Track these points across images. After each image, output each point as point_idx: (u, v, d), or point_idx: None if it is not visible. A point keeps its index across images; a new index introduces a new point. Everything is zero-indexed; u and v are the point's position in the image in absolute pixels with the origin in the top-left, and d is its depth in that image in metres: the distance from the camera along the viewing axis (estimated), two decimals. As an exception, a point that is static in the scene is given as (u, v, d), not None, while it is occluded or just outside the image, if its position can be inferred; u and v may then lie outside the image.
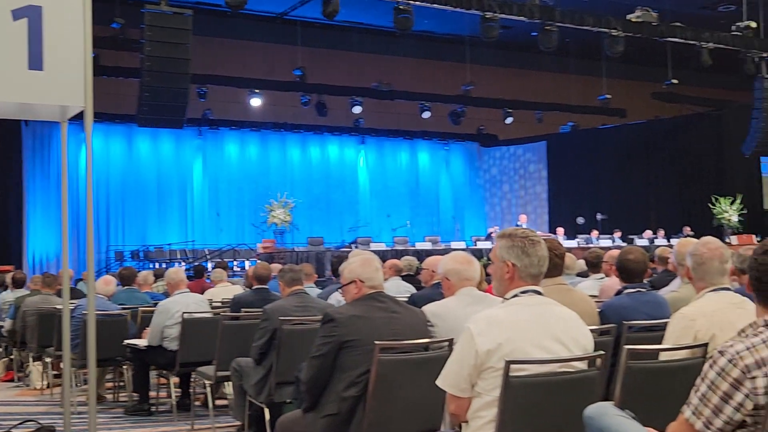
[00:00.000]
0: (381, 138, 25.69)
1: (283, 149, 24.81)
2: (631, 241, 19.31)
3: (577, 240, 19.55)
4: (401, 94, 23.11)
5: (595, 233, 20.31)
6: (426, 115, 23.02)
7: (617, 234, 20.36)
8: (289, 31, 21.19)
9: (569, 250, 15.15)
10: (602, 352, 3.23)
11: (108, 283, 8.17)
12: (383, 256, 15.72)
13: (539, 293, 3.20)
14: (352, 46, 22.84)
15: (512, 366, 2.97)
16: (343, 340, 3.85)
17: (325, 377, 3.92)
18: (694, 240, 3.97)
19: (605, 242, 19.10)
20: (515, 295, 3.17)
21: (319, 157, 25.27)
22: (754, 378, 2.41)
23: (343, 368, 3.87)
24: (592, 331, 4.28)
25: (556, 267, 4.67)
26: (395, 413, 3.87)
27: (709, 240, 3.77)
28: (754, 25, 17.39)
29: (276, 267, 8.34)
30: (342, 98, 22.28)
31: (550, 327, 3.13)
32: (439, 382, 3.14)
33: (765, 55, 17.82)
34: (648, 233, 20.60)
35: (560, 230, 20.38)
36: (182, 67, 12.74)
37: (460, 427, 3.21)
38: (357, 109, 22.36)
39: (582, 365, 3.17)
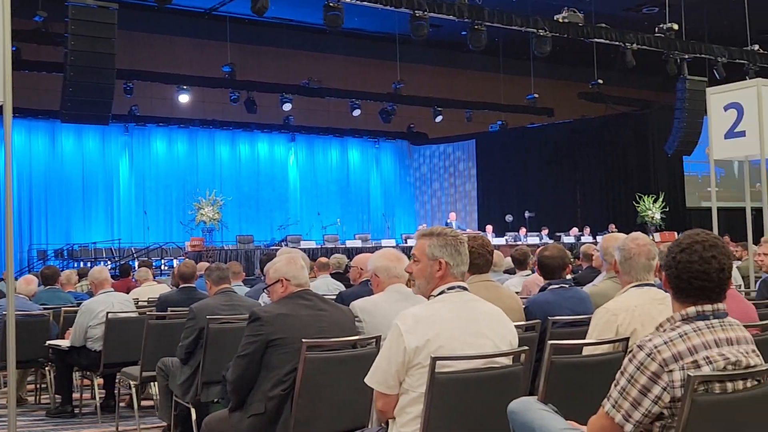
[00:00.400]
0: (311, 135, 25.60)
1: (212, 146, 24.53)
2: (558, 239, 19.66)
3: (505, 237, 19.79)
4: (331, 91, 23.06)
5: (523, 231, 20.59)
6: (356, 112, 23.02)
7: (545, 231, 20.67)
8: (218, 27, 20.94)
9: (498, 247, 15.39)
10: (526, 348, 3.27)
11: (29, 283, 7.95)
12: (313, 254, 15.75)
13: (465, 289, 3.24)
14: (282, 42, 22.69)
15: (438, 362, 2.99)
16: (269, 339, 3.82)
17: (252, 376, 3.88)
18: (622, 235, 4.04)
19: (533, 240, 19.39)
20: (442, 292, 3.19)
21: (249, 155, 25.05)
22: (671, 371, 2.46)
23: (269, 367, 3.84)
24: (517, 327, 4.35)
25: (485, 264, 4.72)
26: (322, 411, 3.86)
27: (638, 236, 3.83)
28: (676, 27, 17.81)
29: (203, 266, 8.22)
30: (272, 95, 22.11)
31: (476, 323, 3.15)
32: (367, 380, 3.13)
33: (687, 56, 18.27)
34: (574, 231, 20.98)
35: (489, 228, 20.61)
36: (107, 62, 12.47)
37: (387, 423, 3.22)
38: (287, 106, 22.22)
39: (507, 360, 3.21)
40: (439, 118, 24.13)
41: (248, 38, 21.81)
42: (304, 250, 15.23)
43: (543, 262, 5.10)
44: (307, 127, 24.93)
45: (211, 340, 5.23)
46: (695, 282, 2.55)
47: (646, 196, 21.58)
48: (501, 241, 19.14)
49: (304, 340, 3.75)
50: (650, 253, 3.66)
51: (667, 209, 21.58)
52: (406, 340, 3.02)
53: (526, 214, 21.89)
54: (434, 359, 2.98)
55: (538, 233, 20.52)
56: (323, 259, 9.25)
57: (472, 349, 3.09)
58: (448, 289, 3.19)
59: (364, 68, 24.26)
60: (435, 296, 3.20)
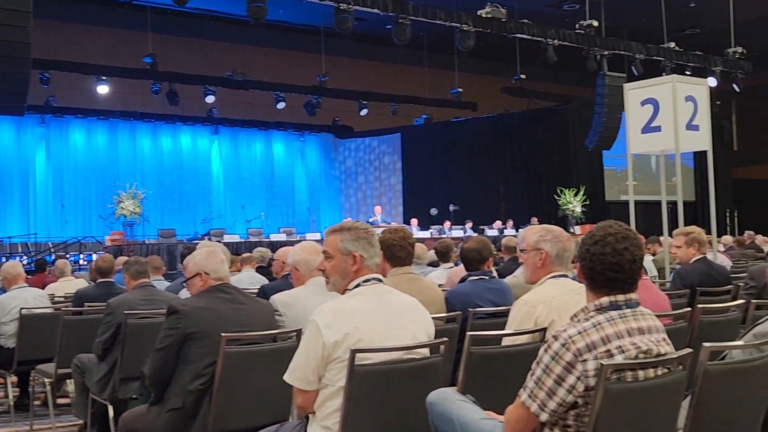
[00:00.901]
0: (235, 128, 25.30)
1: (133, 139, 24.04)
2: (482, 232, 19.85)
3: (430, 231, 19.91)
4: (255, 83, 22.81)
5: (447, 224, 20.74)
6: (281, 105, 22.85)
7: (469, 225, 20.86)
8: (138, 17, 20.50)
9: (422, 240, 15.47)
10: (445, 339, 3.29)
11: (-62, 279, 7.68)
12: (237, 248, 15.61)
13: (380, 281, 3.25)
14: (205, 34, 22.36)
15: (358, 354, 2.99)
16: (187, 332, 3.77)
17: (170, 370, 3.82)
18: (539, 226, 4.10)
19: (457, 233, 19.54)
20: (357, 285, 3.19)
21: (171, 147, 24.63)
22: (585, 361, 2.51)
23: (187, 361, 3.79)
24: (438, 318, 4.38)
25: (406, 257, 4.73)
26: (242, 405, 3.83)
27: (553, 228, 3.90)
28: (596, 24, 18.15)
29: (122, 260, 8.05)
30: (194, 87, 21.76)
31: (393, 314, 3.17)
32: (286, 378, 3.11)
33: (606, 53, 18.64)
34: (498, 224, 21.22)
35: (414, 221, 20.70)
36: (22, 51, 12.08)
37: (307, 417, 3.20)
38: (210, 99, 21.90)
39: (426, 351, 3.23)
40: (364, 112, 24.13)
41: (170, 29, 21.42)
42: (227, 244, 15.08)
43: (465, 254, 5.16)
44: (230, 120, 24.64)
45: (128, 335, 5.14)
46: (608, 273, 2.60)
47: (567, 190, 21.97)
48: (425, 234, 19.23)
49: (223, 333, 3.71)
50: (565, 245, 3.73)
51: (588, 202, 22.01)
52: (324, 335, 3.01)
53: (451, 208, 22.06)
54: (353, 351, 2.98)
55: (462, 226, 20.70)
56: (247, 253, 9.18)
57: (391, 340, 3.10)
58: (364, 281, 3.20)
59: (288, 61, 24.08)
60: (351, 290, 3.20)
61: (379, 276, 3.25)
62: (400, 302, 3.24)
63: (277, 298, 4.24)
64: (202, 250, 4.11)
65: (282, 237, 17.67)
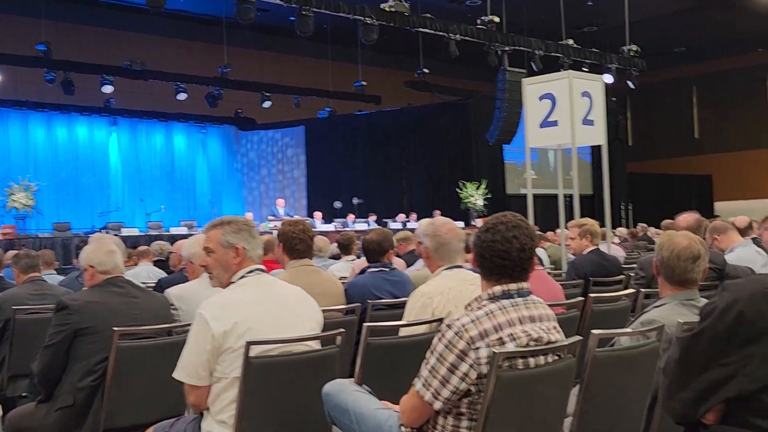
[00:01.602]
0: (134, 119, 24.63)
1: (26, 129, 23.14)
2: (385, 225, 19.92)
3: (334, 224, 19.88)
4: (155, 74, 22.26)
5: (351, 217, 20.76)
6: (182, 96, 22.36)
7: (372, 218, 20.92)
8: (31, 3, 19.76)
9: (326, 233, 15.44)
10: (342, 330, 3.29)
11: None
12: (136, 241, 15.25)
13: (263, 271, 3.26)
14: (102, 21, 21.71)
15: (252, 346, 2.96)
16: (77, 328, 3.66)
17: (59, 367, 3.71)
18: (428, 220, 4.14)
19: (361, 226, 19.57)
20: (242, 277, 3.20)
21: (66, 139, 23.82)
22: (477, 349, 2.54)
23: (78, 357, 3.69)
24: (337, 310, 4.38)
25: (306, 249, 4.72)
26: (136, 401, 3.75)
27: (447, 221, 3.96)
28: (497, 19, 18.41)
29: (12, 254, 7.76)
30: (91, 76, 21.07)
31: (281, 303, 3.18)
32: (176, 375, 3.07)
33: (507, 48, 18.93)
34: (401, 216, 21.34)
35: (318, 214, 20.63)
36: None
37: (201, 413, 3.16)
38: (107, 89, 21.25)
39: (316, 344, 3.23)
40: (267, 104, 23.88)
41: (65, 15, 20.73)
42: (126, 237, 14.73)
43: (365, 246, 5.19)
44: (129, 111, 23.97)
45: (17, 331, 4.97)
46: (497, 260, 2.65)
47: (469, 183, 22.25)
48: (329, 227, 19.20)
49: (115, 328, 3.62)
50: (460, 236, 3.80)
51: (489, 196, 22.34)
52: (212, 327, 2.99)
53: (355, 201, 22.07)
54: (248, 343, 2.96)
55: (365, 219, 20.74)
56: (145, 247, 8.98)
57: (281, 329, 3.10)
58: (248, 273, 3.21)
59: (189, 51, 23.62)
60: (235, 282, 3.20)
61: (262, 267, 3.26)
62: (284, 292, 3.27)
63: (172, 292, 4.17)
64: (92, 243, 4.00)
65: (183, 230, 17.35)
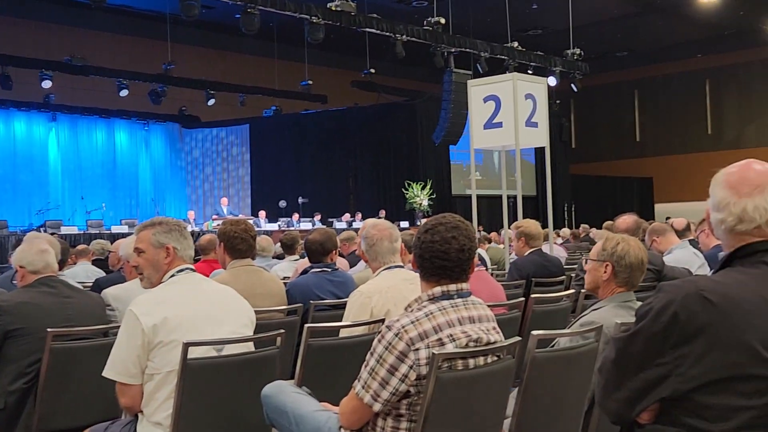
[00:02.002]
0: (74, 115, 24.14)
1: (-39, 125, 22.63)
2: (330, 224, 19.89)
3: (278, 223, 19.78)
4: (97, 69, 21.83)
5: (296, 216, 20.67)
6: (124, 93, 22.02)
7: (317, 217, 20.87)
8: (-34, -4, 19.30)
9: (270, 233, 15.34)
10: (282, 331, 3.26)
11: None
12: (75, 240, 14.96)
13: (193, 270, 3.26)
14: (42, 15, 21.27)
15: (185, 343, 2.93)
16: (7, 329, 3.56)
17: (-11, 371, 3.60)
18: (371, 222, 4.14)
19: (306, 225, 19.50)
20: (172, 276, 3.20)
21: (4, 134, 23.25)
22: (417, 350, 2.53)
23: (9, 359, 3.59)
24: (278, 310, 4.34)
25: (248, 249, 4.66)
26: (70, 404, 3.67)
27: (378, 222, 3.97)
28: (443, 21, 18.50)
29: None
30: (30, 71, 20.62)
31: (212, 301, 3.19)
32: (106, 373, 3.02)
33: (453, 49, 19.04)
34: (347, 216, 21.32)
35: (262, 213, 20.50)
36: None
37: (136, 415, 3.09)
38: (47, 84, 20.83)
39: (250, 344, 3.22)
40: (211, 102, 23.66)
41: (3, 8, 20.24)
42: (65, 236, 14.45)
43: (308, 246, 5.14)
44: (69, 107, 23.49)
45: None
46: (436, 261, 2.64)
47: (414, 184, 22.30)
48: (274, 226, 19.10)
49: (49, 329, 3.53)
50: (392, 236, 3.80)
51: (435, 196, 22.43)
52: (143, 321, 2.97)
53: (300, 200, 21.98)
54: (186, 345, 2.92)
55: (311, 219, 20.68)
56: (83, 245, 8.80)
57: (213, 324, 3.10)
58: (178, 271, 3.21)
59: (132, 47, 23.26)
60: (165, 281, 3.20)
61: (192, 266, 3.26)
62: (215, 290, 3.27)
63: (109, 292, 4.08)
64: (24, 243, 3.90)
65: (124, 229, 17.06)
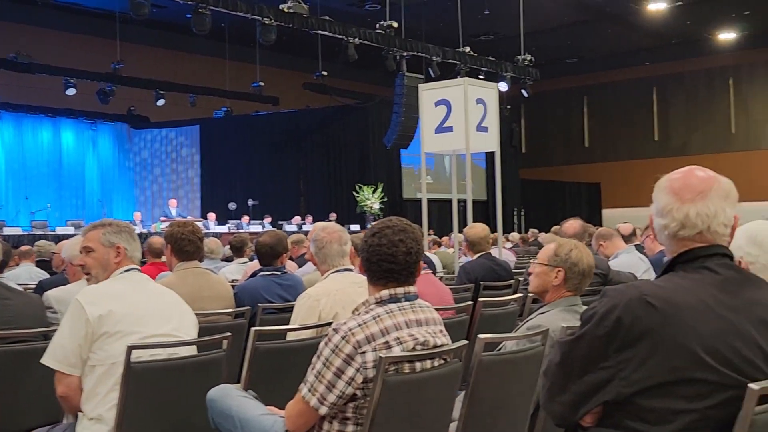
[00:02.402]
0: (19, 114, 23.65)
1: None
2: (280, 227, 19.78)
3: (228, 225, 19.62)
4: (43, 67, 21.45)
5: (245, 219, 20.52)
6: (71, 91, 21.63)
7: (267, 220, 20.74)
8: None
9: (219, 235, 15.20)
10: (229, 334, 3.23)
11: None
12: (19, 241, 14.66)
13: (140, 271, 3.30)
14: (-15, 12, 20.86)
15: (129, 345, 2.91)
16: (-55, 332, 3.47)
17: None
18: (321, 223, 4.12)
19: (256, 228, 19.38)
20: (120, 273, 3.24)
21: (-56, 133, 22.79)
22: (364, 353, 2.53)
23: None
24: (225, 313, 4.30)
25: (195, 251, 4.61)
26: (9, 409, 3.58)
27: (328, 224, 3.96)
28: (396, 25, 18.54)
29: None
30: (-27, 69, 20.24)
31: (156, 298, 3.24)
32: (45, 360, 3.01)
33: (405, 53, 19.09)
34: (297, 219, 21.24)
35: (212, 215, 20.31)
36: None
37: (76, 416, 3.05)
38: (-8, 82, 20.44)
39: (191, 348, 3.21)
40: (161, 102, 23.38)
41: (-54, 4, 19.82)
42: (8, 237, 14.16)
43: (258, 249, 5.10)
44: (14, 105, 23.02)
45: None
46: (384, 264, 2.64)
47: (365, 187, 22.30)
48: (223, 228, 18.95)
49: (-15, 332, 3.45)
50: (341, 239, 3.80)
51: (386, 200, 22.46)
52: (88, 311, 2.97)
53: (250, 203, 21.84)
54: (130, 348, 2.89)
55: (261, 221, 20.56)
56: (26, 246, 8.64)
57: (157, 320, 3.13)
58: (125, 270, 3.25)
59: (80, 45, 22.86)
60: (114, 278, 3.23)
61: (138, 267, 3.31)
62: (161, 291, 3.32)
63: (51, 294, 4.01)
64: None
65: (69, 230, 16.76)
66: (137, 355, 2.93)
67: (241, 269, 7.33)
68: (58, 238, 12.85)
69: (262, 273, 4.91)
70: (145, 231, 17.18)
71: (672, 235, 2.03)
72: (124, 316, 3.01)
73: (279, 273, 4.96)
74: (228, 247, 8.95)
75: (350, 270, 3.75)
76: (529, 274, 3.62)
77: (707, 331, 1.86)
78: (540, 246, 13.90)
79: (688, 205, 2.00)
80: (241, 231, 18.01)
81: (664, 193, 2.05)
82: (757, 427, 1.80)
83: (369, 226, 20.06)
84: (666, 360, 1.84)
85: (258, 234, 16.37)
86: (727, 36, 26.18)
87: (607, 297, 1.94)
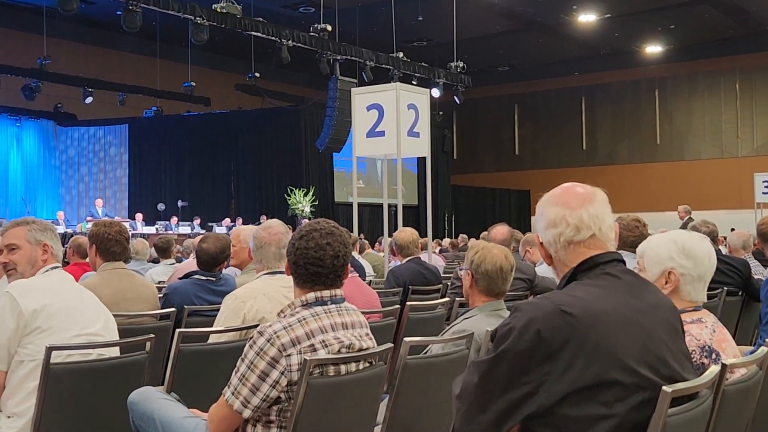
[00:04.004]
0: (-60, 109, 23.02)
1: None
2: (210, 228, 19.60)
3: (156, 226, 19.34)
4: (-34, 61, 20.90)
5: (174, 220, 20.25)
6: (-6, 87, 21.09)
7: (197, 221, 20.52)
8: None
9: (147, 236, 14.97)
10: (152, 336, 3.20)
11: None
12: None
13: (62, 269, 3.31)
14: None
15: (48, 347, 2.87)
16: None
17: None
18: (251, 227, 4.08)
19: (185, 229, 19.16)
20: (46, 272, 3.25)
21: None
22: (289, 356, 2.52)
23: None
24: (150, 315, 4.24)
25: (121, 252, 4.53)
26: None
27: (271, 224, 3.86)
28: (329, 28, 18.53)
29: None
30: None
31: (82, 298, 3.24)
32: None
33: (339, 57, 19.09)
34: (227, 221, 21.06)
35: (140, 216, 20.00)
36: None
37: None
38: None
39: (116, 349, 3.21)
40: (89, 100, 22.91)
41: None
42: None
43: (200, 254, 4.90)
44: (-65, 100, 22.40)
45: None
46: (311, 268, 2.64)
47: (297, 190, 22.23)
48: (152, 229, 18.67)
49: None
50: (281, 241, 3.72)
51: (317, 203, 22.42)
52: (21, 303, 2.95)
53: (179, 203, 21.58)
54: (49, 348, 2.84)
55: (190, 223, 20.32)
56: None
57: (86, 320, 3.14)
58: (52, 268, 3.26)
59: (5, 40, 22.26)
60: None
61: (60, 266, 3.32)
62: (83, 291, 3.32)
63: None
64: None
65: (-9, 228, 16.33)
66: (62, 355, 2.89)
67: (168, 270, 7.24)
68: (-21, 237, 12.48)
69: (196, 277, 4.82)
70: (69, 230, 16.81)
71: (568, 243, 2.07)
72: (57, 311, 3.01)
73: (214, 279, 4.86)
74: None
75: (284, 273, 3.71)
76: (452, 283, 3.65)
77: (624, 335, 1.90)
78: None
79: (579, 210, 2.07)
80: (169, 232, 17.78)
81: (551, 206, 2.11)
82: (671, 429, 1.85)
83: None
84: (586, 367, 1.85)
85: (187, 235, 16.18)
86: (653, 49, 26.87)
87: (522, 312, 1.92)
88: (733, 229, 8.94)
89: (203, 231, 18.45)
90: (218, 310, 4.50)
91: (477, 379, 1.96)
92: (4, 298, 2.97)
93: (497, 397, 1.91)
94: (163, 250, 7.56)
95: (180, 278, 5.07)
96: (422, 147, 10.22)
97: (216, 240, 4.94)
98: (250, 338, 2.60)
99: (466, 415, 1.99)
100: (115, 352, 3.17)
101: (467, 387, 1.99)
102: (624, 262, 2.08)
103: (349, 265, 2.79)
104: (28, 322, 2.93)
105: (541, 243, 2.15)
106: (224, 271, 5.07)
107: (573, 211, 2.06)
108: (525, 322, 1.89)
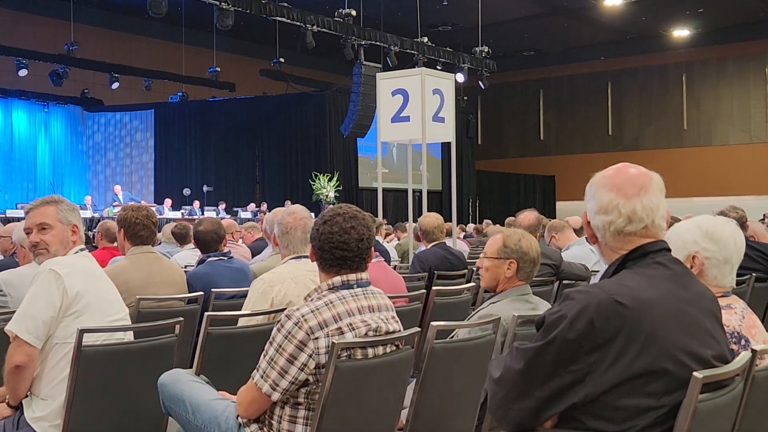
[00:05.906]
0: (-30, 94, 23.24)
1: None
2: (235, 214, 19.71)
3: (181, 211, 19.46)
4: (-6, 47, 21.06)
5: (197, 204, 20.36)
6: (23, 72, 21.23)
7: (222, 206, 20.62)
8: None
9: (174, 220, 15.03)
10: (181, 319, 3.22)
11: None
12: (-33, 223, 14.39)
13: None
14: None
15: (80, 329, 2.89)
16: None
17: None
18: (281, 209, 4.10)
19: (210, 214, 19.22)
20: (75, 252, 3.23)
21: None
22: (317, 339, 2.54)
23: None
24: (179, 299, 4.28)
25: (149, 236, 4.57)
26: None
27: (296, 209, 3.89)
28: (354, 13, 18.52)
29: None
30: None
31: (111, 286, 3.28)
32: (12, 327, 2.94)
33: (363, 42, 19.07)
34: (252, 206, 21.15)
35: (168, 201, 20.11)
36: None
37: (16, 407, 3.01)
38: (-60, 61, 19.95)
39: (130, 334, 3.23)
40: (115, 85, 23.07)
41: None
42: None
43: (199, 236, 5.08)
44: (-35, 85, 22.62)
45: None
46: (336, 252, 2.66)
47: (321, 175, 22.28)
48: (177, 214, 18.79)
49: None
50: (306, 226, 3.74)
51: (341, 188, 22.46)
52: (68, 283, 2.96)
53: (205, 188, 21.69)
54: (81, 331, 2.86)
55: (215, 207, 20.43)
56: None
57: (116, 306, 3.17)
58: (80, 250, 3.25)
59: (33, 26, 22.44)
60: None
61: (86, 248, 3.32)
62: (105, 276, 3.32)
63: (1, 277, 3.94)
64: None
65: (19, 213, 16.49)
66: (93, 339, 2.91)
67: (193, 255, 7.27)
68: (7, 221, 12.66)
69: (210, 259, 4.89)
70: (96, 215, 16.96)
71: (618, 232, 2.03)
72: (94, 298, 3.01)
73: (225, 258, 4.95)
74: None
75: (308, 257, 3.74)
76: (478, 268, 3.64)
77: (674, 325, 1.89)
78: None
79: (633, 200, 2.02)
80: (194, 217, 17.86)
81: (605, 190, 2.05)
82: (701, 414, 1.85)
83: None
84: (638, 357, 1.84)
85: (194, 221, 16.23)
86: (681, 33, 26.58)
87: (574, 300, 1.90)
88: (765, 215, 8.86)
89: (228, 216, 18.53)
90: (241, 290, 4.59)
91: (521, 365, 1.94)
92: (48, 275, 2.95)
93: (541, 385, 1.90)
94: (182, 237, 7.55)
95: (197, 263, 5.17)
96: (447, 132, 10.18)
97: (210, 222, 5.17)
98: (278, 322, 2.62)
99: (505, 400, 1.98)
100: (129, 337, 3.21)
101: (509, 372, 1.98)
102: (670, 250, 2.06)
103: (373, 248, 2.80)
104: (70, 303, 2.94)
105: (588, 222, 2.11)
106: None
107: (627, 201, 2.02)
108: (577, 311, 1.87)
